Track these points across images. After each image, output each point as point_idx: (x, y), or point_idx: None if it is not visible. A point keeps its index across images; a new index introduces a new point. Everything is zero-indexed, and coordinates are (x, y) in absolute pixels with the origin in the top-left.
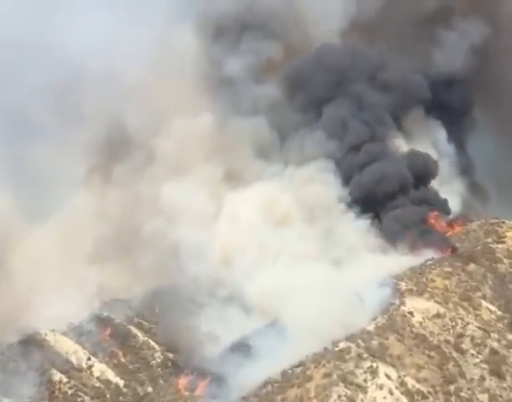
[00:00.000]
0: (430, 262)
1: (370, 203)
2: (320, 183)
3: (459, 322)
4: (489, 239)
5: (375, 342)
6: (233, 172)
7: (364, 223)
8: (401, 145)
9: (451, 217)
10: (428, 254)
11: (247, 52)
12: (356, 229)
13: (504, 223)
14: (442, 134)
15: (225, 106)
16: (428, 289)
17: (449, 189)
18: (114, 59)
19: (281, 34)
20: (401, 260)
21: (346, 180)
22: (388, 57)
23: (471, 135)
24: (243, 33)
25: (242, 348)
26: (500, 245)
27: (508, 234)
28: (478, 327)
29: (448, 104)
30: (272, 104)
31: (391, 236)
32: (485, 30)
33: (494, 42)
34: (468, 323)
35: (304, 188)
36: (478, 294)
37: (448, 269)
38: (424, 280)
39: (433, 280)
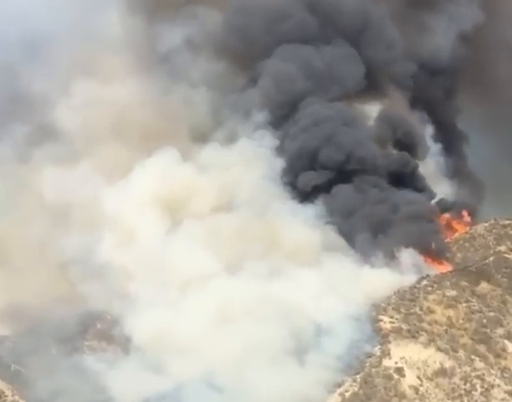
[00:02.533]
0: (425, 282)
1: (322, 186)
2: (251, 165)
3: (478, 383)
4: (503, 247)
5: None
6: None
7: (316, 216)
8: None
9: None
10: (415, 265)
11: (185, 25)
12: (304, 224)
13: None
14: (427, 130)
15: (157, 80)
16: (424, 325)
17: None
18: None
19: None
20: (378, 277)
21: (290, 159)
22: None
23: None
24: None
25: None
26: None
27: None
28: (509, 393)
29: (434, 95)
30: (213, 80)
31: (359, 237)
32: (477, 15)
33: (486, 29)
34: (492, 385)
35: (229, 172)
36: (500, 331)
37: (452, 292)
38: (417, 310)
39: (431, 311)
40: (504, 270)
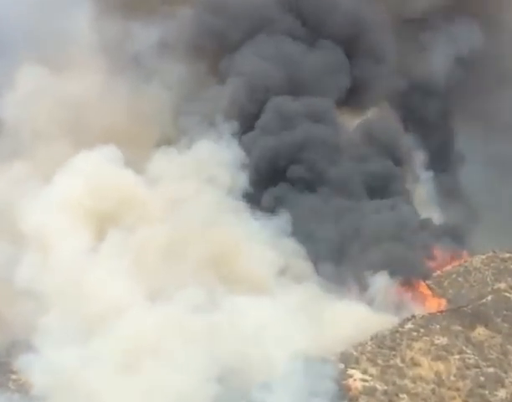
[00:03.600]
0: (409, 325)
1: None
2: (208, 175)
3: None
4: (503, 285)
5: None
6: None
7: (276, 233)
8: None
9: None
10: (391, 296)
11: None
12: (259, 242)
13: None
14: (419, 156)
15: (125, 80)
16: (407, 384)
17: None
18: None
19: None
20: (350, 315)
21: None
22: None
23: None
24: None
25: None
26: None
27: None
28: None
29: (427, 117)
30: (186, 83)
31: (323, 260)
32: (477, 38)
33: (486, 51)
34: None
35: (180, 181)
36: (501, 393)
37: (442, 339)
38: (399, 362)
39: (416, 364)
40: (504, 312)
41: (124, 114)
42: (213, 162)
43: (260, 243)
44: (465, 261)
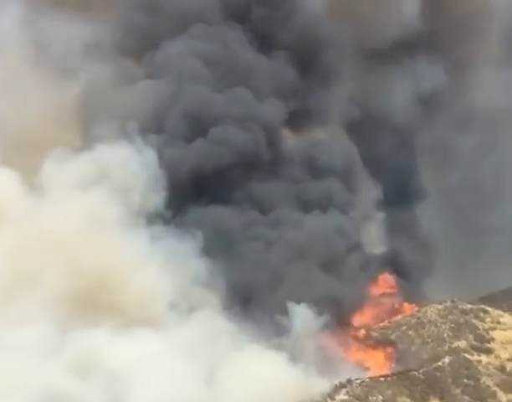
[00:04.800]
0: (342, 396)
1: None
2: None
3: None
4: (463, 343)
5: None
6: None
7: (182, 255)
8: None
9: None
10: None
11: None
12: (156, 269)
13: (486, 312)
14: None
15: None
16: None
17: None
18: None
19: None
20: (260, 370)
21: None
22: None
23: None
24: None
25: None
26: (485, 358)
27: (496, 333)
28: None
29: (383, 152)
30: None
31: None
32: (439, 78)
33: (448, 93)
34: None
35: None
36: None
37: None
38: None
39: None
40: (465, 380)
41: (40, 115)
42: (120, 171)
43: (153, 267)
44: (418, 311)
